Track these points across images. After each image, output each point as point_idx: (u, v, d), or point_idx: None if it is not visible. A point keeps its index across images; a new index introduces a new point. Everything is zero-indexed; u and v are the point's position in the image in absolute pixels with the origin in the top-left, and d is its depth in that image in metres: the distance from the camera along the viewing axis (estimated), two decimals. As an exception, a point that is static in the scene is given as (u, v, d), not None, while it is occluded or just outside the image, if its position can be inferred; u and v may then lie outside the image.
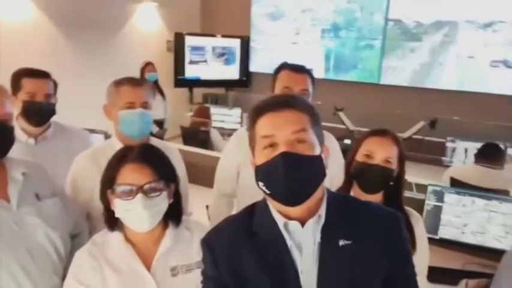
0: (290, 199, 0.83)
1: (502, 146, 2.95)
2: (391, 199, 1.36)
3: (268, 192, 0.85)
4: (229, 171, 1.77)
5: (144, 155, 1.12)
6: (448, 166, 3.36)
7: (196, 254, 1.16)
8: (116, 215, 1.11)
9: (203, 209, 2.14)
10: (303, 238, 0.86)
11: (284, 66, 1.65)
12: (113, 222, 1.15)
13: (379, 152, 1.33)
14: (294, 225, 0.85)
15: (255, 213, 0.92)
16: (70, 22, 4.19)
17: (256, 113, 0.87)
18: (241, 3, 5.59)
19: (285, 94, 0.90)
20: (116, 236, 1.15)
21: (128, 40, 4.96)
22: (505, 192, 2.42)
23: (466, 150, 3.55)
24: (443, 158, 3.58)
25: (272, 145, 0.83)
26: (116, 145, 1.53)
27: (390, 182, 1.34)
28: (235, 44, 5.63)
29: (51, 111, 1.81)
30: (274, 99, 0.88)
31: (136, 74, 3.88)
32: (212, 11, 5.89)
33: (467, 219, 1.98)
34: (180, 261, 1.15)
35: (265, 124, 0.84)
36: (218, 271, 0.89)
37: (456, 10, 4.31)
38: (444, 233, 2.02)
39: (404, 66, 4.80)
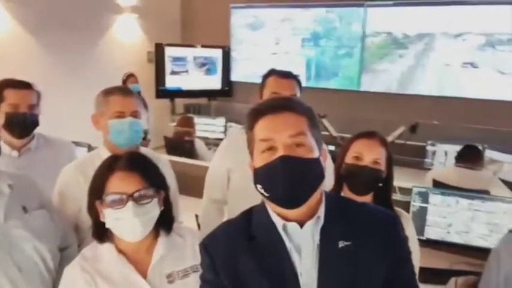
0: (289, 202, 0.83)
1: (480, 148, 3.04)
2: (381, 200, 1.38)
3: (267, 195, 0.85)
4: (219, 176, 1.77)
5: (133, 162, 1.11)
6: (429, 169, 3.44)
7: (190, 258, 1.16)
8: (107, 226, 1.09)
9: (193, 219, 2.12)
10: (302, 240, 0.85)
11: (272, 72, 1.67)
12: (102, 235, 1.12)
13: (368, 154, 1.36)
14: (293, 227, 0.85)
15: (252, 216, 0.92)
16: (48, 33, 4.13)
17: (254, 116, 0.87)
18: (221, 14, 5.63)
19: (283, 97, 0.90)
20: (107, 248, 1.13)
21: (108, 51, 4.92)
22: (485, 192, 2.50)
23: (446, 153, 3.65)
24: (425, 161, 3.67)
25: (271, 148, 0.83)
26: (104, 155, 1.49)
27: (379, 184, 1.37)
28: (216, 54, 5.65)
29: (35, 123, 1.77)
30: (272, 102, 0.89)
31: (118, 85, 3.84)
32: (192, 21, 5.91)
33: (452, 219, 2.02)
34: (176, 267, 1.14)
35: (264, 127, 0.85)
36: (217, 275, 0.88)
37: (432, 23, 4.62)
38: (430, 233, 2.06)
39: (384, 73, 4.93)
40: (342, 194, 1.41)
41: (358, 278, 0.84)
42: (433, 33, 4.60)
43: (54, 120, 1.93)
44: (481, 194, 2.27)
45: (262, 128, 0.85)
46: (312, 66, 5.35)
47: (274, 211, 0.88)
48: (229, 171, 1.73)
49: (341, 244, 0.85)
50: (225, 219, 1.88)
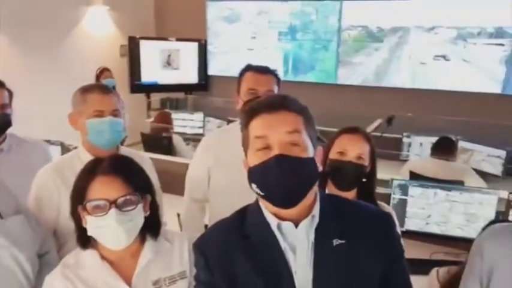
0: (284, 201, 0.83)
1: (454, 139, 3.13)
2: (364, 195, 1.40)
3: (261, 194, 0.84)
4: (200, 176, 1.74)
5: (116, 166, 1.06)
6: (405, 160, 3.53)
7: (178, 264, 1.13)
8: (89, 233, 1.04)
9: (175, 218, 2.08)
10: (297, 239, 0.85)
11: (249, 67, 1.65)
12: (85, 240, 1.08)
13: (352, 149, 1.37)
14: (288, 226, 0.85)
15: (246, 215, 0.92)
16: (15, 27, 3.94)
17: (250, 114, 0.86)
18: (197, 7, 5.53)
19: (278, 95, 0.89)
20: (90, 255, 1.08)
21: (79, 45, 4.75)
22: (460, 183, 2.58)
23: (421, 145, 3.74)
24: (401, 153, 3.76)
25: (266, 147, 0.82)
26: (83, 156, 1.45)
27: (363, 179, 1.38)
28: (192, 47, 5.56)
29: (7, 123, 1.69)
30: (268, 100, 0.88)
31: (90, 81, 3.71)
32: (167, 14, 5.78)
33: (431, 211, 2.08)
34: (162, 274, 1.11)
35: (259, 125, 0.84)
36: (211, 275, 0.87)
37: (406, 17, 4.71)
38: (410, 224, 2.11)
39: (360, 66, 4.98)
40: (326, 190, 1.42)
41: (353, 276, 0.85)
42: (407, 26, 4.68)
43: (24, 119, 1.84)
44: (457, 184, 2.35)
45: (257, 125, 0.84)
46: (289, 59, 5.35)
47: (268, 210, 0.87)
48: (210, 170, 1.71)
49: (336, 242, 0.86)
50: (206, 217, 1.87)
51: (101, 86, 1.47)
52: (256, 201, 0.90)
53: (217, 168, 1.69)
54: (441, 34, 4.54)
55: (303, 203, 0.84)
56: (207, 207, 1.85)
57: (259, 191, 0.84)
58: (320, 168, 0.87)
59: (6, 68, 3.82)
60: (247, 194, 1.64)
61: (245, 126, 0.87)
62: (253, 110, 0.86)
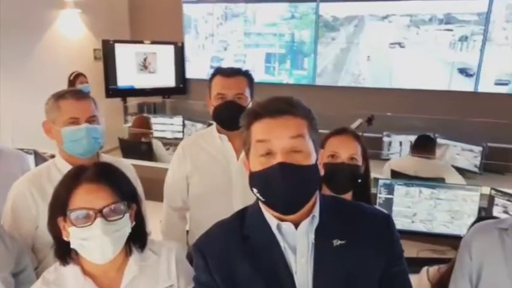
0: (285, 208, 0.82)
1: (433, 137, 3.19)
2: (360, 196, 1.38)
3: (263, 199, 0.84)
4: (178, 184, 1.70)
5: (101, 173, 0.99)
6: (386, 159, 3.56)
7: (166, 277, 1.07)
8: (72, 246, 0.97)
9: (158, 226, 2.01)
10: (297, 239, 0.85)
11: (217, 71, 1.61)
12: (65, 255, 1.01)
13: (343, 151, 1.34)
14: (287, 226, 0.85)
15: (246, 216, 0.91)
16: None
17: (253, 116, 0.84)
18: (173, 9, 5.44)
19: (282, 98, 0.86)
20: (72, 270, 1.01)
21: (51, 49, 4.57)
22: (441, 180, 2.62)
23: (400, 143, 3.80)
24: (382, 152, 3.80)
25: (269, 153, 0.81)
26: (61, 165, 1.37)
27: (358, 180, 1.35)
28: (168, 50, 5.46)
29: None
30: (271, 104, 0.85)
31: (63, 85, 3.58)
32: (142, 17, 5.65)
33: (416, 209, 2.09)
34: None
35: (262, 128, 0.82)
36: (211, 277, 0.87)
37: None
38: (396, 223, 2.08)
39: (335, 67, 5.02)
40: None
41: (353, 276, 0.85)
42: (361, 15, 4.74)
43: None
44: (438, 181, 2.38)
45: (259, 129, 0.83)
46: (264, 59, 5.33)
47: (268, 212, 0.86)
48: (188, 177, 1.67)
49: (336, 243, 0.86)
50: (187, 225, 1.81)
51: (75, 91, 1.40)
52: (256, 202, 0.89)
53: (195, 175, 1.65)
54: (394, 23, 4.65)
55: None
56: (187, 215, 1.81)
57: (260, 197, 0.84)
58: (322, 172, 0.86)
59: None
60: (226, 200, 1.60)
61: (246, 127, 0.86)
62: (256, 112, 0.84)
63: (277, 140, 0.80)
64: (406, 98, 4.58)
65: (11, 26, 4.04)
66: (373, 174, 2.37)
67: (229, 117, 1.45)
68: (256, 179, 0.83)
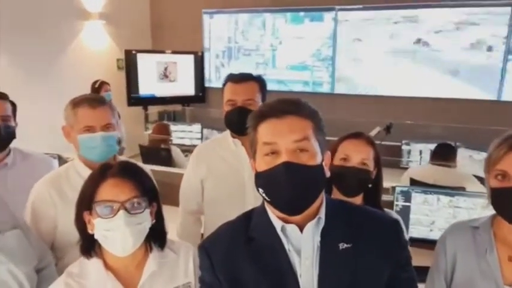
0: (290, 209, 0.82)
1: (453, 145, 3.13)
2: (370, 201, 1.38)
3: (268, 199, 0.84)
4: (193, 188, 1.72)
5: (126, 170, 1.06)
6: (405, 168, 3.51)
7: (183, 275, 1.11)
8: (96, 237, 1.03)
9: (175, 229, 2.05)
10: (302, 241, 0.85)
11: (228, 78, 1.63)
12: (89, 249, 1.06)
13: (355, 155, 1.35)
14: (292, 228, 0.84)
15: (252, 217, 0.91)
16: (14, 41, 3.94)
17: (259, 117, 0.85)
18: (193, 19, 5.56)
19: (288, 99, 0.87)
20: (95, 264, 1.06)
21: (76, 59, 4.75)
22: (461, 189, 2.56)
23: (420, 152, 3.74)
24: (401, 160, 3.75)
25: (274, 152, 0.81)
26: (79, 168, 1.42)
27: (369, 184, 1.36)
28: (188, 59, 5.58)
29: (10, 135, 1.66)
30: (278, 104, 0.86)
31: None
32: (163, 27, 5.80)
33: (434, 217, 2.05)
34: (167, 285, 1.08)
35: (268, 130, 0.83)
36: (216, 277, 0.87)
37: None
38: (413, 232, 2.08)
39: (354, 75, 5.01)
40: (332, 196, 1.40)
41: (359, 281, 0.84)
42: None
43: (22, 132, 1.81)
44: (458, 190, 2.33)
45: (265, 131, 0.83)
46: (284, 69, 5.36)
47: (274, 213, 0.87)
48: (203, 182, 1.69)
49: (342, 246, 0.85)
50: (202, 229, 1.84)
51: (91, 98, 1.41)
52: (262, 204, 0.90)
53: (210, 180, 1.67)
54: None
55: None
56: (202, 218, 1.83)
57: (265, 197, 0.84)
58: (328, 174, 0.86)
59: (7, 82, 3.80)
60: (240, 204, 1.62)
61: (253, 128, 0.86)
62: (262, 113, 0.85)
63: (282, 140, 0.80)
64: (425, 106, 4.52)
65: (40, 37, 4.23)
66: (391, 183, 2.36)
67: (239, 123, 1.46)
68: (262, 179, 0.83)
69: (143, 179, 1.08)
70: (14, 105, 1.71)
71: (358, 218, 0.90)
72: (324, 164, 0.85)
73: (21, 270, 1.14)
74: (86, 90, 3.96)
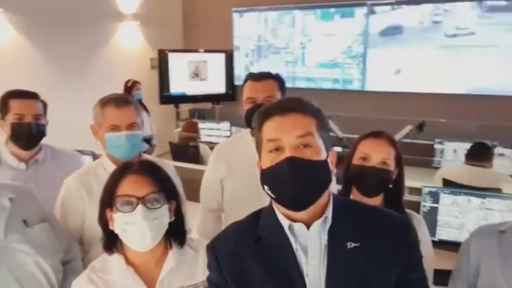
0: (295, 204, 0.82)
1: (489, 145, 2.98)
2: (391, 202, 1.34)
3: (273, 196, 0.84)
4: (213, 186, 1.74)
5: (145, 167, 1.10)
6: (437, 167, 3.39)
7: (202, 273, 1.12)
8: (116, 231, 1.07)
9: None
10: (309, 240, 0.84)
11: (248, 76, 1.63)
12: (112, 245, 1.10)
13: (375, 154, 1.32)
14: (299, 227, 0.85)
15: (260, 217, 0.92)
16: (50, 42, 4.14)
17: (263, 116, 0.86)
18: (223, 18, 5.62)
19: (291, 98, 0.89)
20: (116, 259, 1.10)
21: (111, 59, 4.92)
22: (497, 190, 2.44)
23: (454, 151, 3.59)
24: (433, 159, 3.62)
25: (278, 149, 0.82)
26: (107, 165, 1.48)
27: (389, 184, 1.32)
28: (219, 58, 5.64)
29: (41, 133, 1.74)
30: (281, 102, 0.88)
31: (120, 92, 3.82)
32: (194, 26, 5.90)
33: (464, 219, 1.97)
34: (186, 282, 1.11)
35: (272, 127, 0.84)
36: (223, 277, 0.88)
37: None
38: (442, 234, 2.01)
39: (385, 72, 4.88)
40: (352, 196, 1.37)
41: (367, 280, 0.83)
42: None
43: (57, 129, 1.90)
44: (493, 192, 2.22)
45: (269, 128, 0.84)
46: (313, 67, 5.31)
47: (281, 212, 0.87)
48: (222, 180, 1.70)
49: (350, 245, 0.84)
50: (222, 227, 1.86)
51: (117, 98, 1.45)
52: (270, 203, 0.90)
53: (230, 178, 1.68)
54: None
55: (315, 206, 0.83)
56: (222, 217, 1.85)
57: (270, 193, 0.84)
58: (334, 171, 0.85)
59: (44, 81, 4.00)
60: (261, 203, 1.62)
61: (258, 128, 0.87)
62: (266, 112, 0.86)
63: (286, 136, 0.81)
64: (460, 104, 4.34)
65: (76, 38, 4.42)
66: (422, 183, 2.28)
67: None
68: (266, 176, 0.84)
69: (161, 175, 1.11)
70: (44, 104, 1.79)
71: (367, 217, 0.88)
72: (329, 160, 0.84)
73: (47, 262, 1.20)
74: (120, 89, 4.10)
